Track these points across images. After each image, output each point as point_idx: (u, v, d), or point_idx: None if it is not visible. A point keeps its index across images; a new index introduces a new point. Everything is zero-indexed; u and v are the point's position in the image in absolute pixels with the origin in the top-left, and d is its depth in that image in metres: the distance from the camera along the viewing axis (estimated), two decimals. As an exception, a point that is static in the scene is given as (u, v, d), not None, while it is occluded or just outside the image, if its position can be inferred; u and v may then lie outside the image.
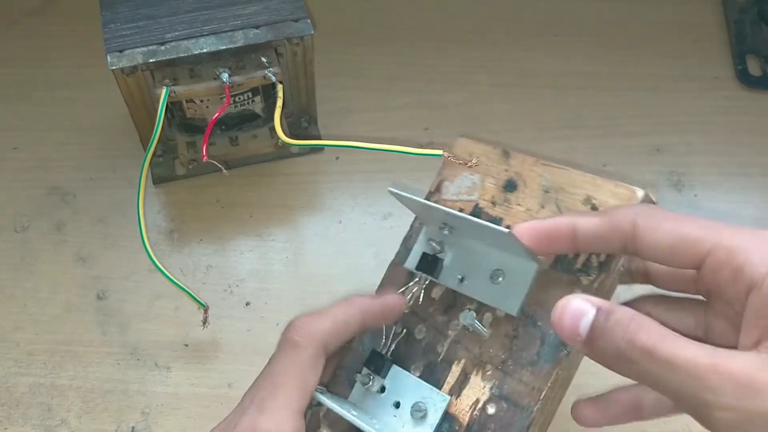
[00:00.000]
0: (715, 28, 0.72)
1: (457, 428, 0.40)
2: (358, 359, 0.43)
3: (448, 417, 0.40)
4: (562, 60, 0.70)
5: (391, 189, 0.41)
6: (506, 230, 0.37)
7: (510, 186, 0.44)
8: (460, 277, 0.42)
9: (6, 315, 0.56)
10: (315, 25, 0.55)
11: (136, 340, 0.55)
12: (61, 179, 0.62)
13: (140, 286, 0.57)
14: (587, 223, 0.37)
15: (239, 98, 0.55)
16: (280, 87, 0.54)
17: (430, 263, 0.43)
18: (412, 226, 0.46)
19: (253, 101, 0.56)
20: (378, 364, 0.42)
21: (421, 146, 0.64)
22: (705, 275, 0.34)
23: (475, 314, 0.41)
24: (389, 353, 0.42)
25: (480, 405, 0.40)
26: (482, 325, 0.41)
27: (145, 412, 0.52)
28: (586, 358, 0.36)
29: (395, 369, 0.42)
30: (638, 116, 0.66)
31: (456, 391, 0.41)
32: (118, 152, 0.64)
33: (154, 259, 0.50)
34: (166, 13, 0.55)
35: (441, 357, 0.42)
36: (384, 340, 0.43)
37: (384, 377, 0.42)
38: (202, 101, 0.55)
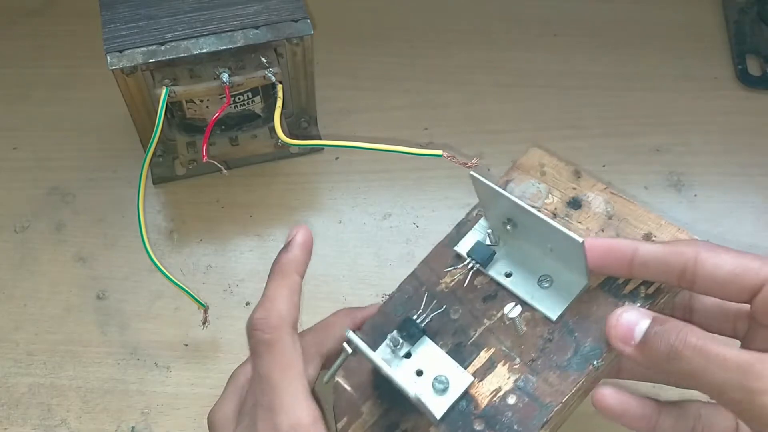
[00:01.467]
0: (715, 28, 0.72)
1: (473, 408, 0.41)
2: (390, 323, 0.44)
3: (467, 396, 0.41)
4: (562, 60, 0.70)
5: (472, 173, 0.42)
6: (579, 238, 0.39)
7: (575, 203, 0.46)
8: (507, 272, 0.44)
9: (6, 315, 0.56)
10: (315, 25, 0.55)
11: (136, 340, 0.55)
12: (61, 179, 0.62)
13: (140, 286, 0.57)
14: (649, 246, 0.39)
15: (239, 98, 0.55)
16: (280, 87, 0.54)
17: (482, 251, 0.44)
18: (468, 214, 0.47)
19: (253, 101, 0.56)
20: (410, 331, 0.43)
21: (421, 146, 0.64)
22: (760, 303, 0.36)
23: (520, 308, 0.42)
24: (423, 323, 0.43)
25: (501, 393, 0.41)
26: (521, 322, 0.42)
27: (145, 412, 0.52)
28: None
29: (424, 340, 0.43)
30: (638, 116, 0.66)
31: (480, 375, 0.42)
32: (118, 152, 0.64)
33: (154, 259, 0.50)
34: (166, 13, 0.55)
35: (472, 340, 0.43)
36: (420, 311, 0.44)
37: (413, 344, 0.43)
38: (202, 101, 0.55)
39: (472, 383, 0.41)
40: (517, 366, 0.41)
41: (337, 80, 0.68)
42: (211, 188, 0.62)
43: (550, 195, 0.46)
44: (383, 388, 0.43)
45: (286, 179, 0.63)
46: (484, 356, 0.42)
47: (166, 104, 0.52)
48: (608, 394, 0.42)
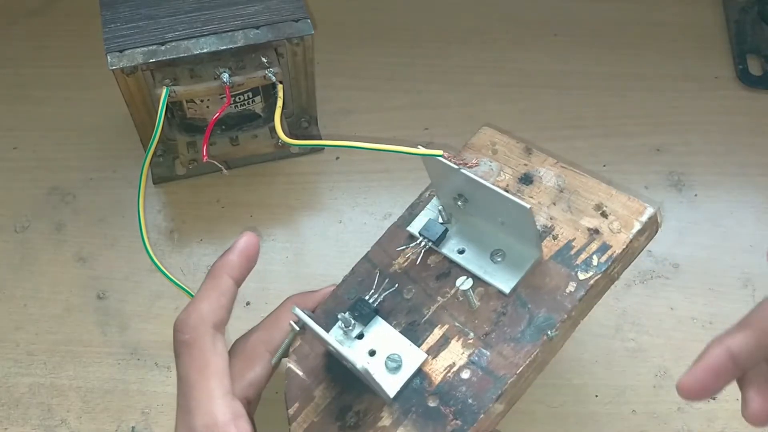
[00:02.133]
0: (715, 28, 0.72)
1: (427, 386, 0.40)
2: (341, 305, 0.44)
3: (420, 373, 0.41)
4: (562, 60, 0.70)
5: (420, 146, 0.43)
6: (526, 205, 0.39)
7: (526, 179, 0.46)
8: (460, 249, 0.44)
9: (6, 315, 0.56)
10: (315, 25, 0.55)
11: (136, 340, 0.55)
12: (61, 179, 0.62)
13: (140, 286, 0.57)
14: (740, 343, 0.36)
15: (239, 98, 0.55)
16: (280, 87, 0.54)
17: (434, 229, 0.44)
18: (421, 195, 0.47)
19: (253, 101, 0.56)
20: (362, 312, 0.43)
21: (421, 146, 0.64)
22: None
23: (471, 281, 0.42)
24: (375, 303, 0.43)
25: (455, 368, 0.41)
26: (473, 297, 0.42)
27: (145, 412, 0.52)
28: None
29: (377, 320, 0.43)
30: (638, 116, 0.66)
31: (434, 352, 0.42)
32: (118, 152, 0.64)
33: (154, 259, 0.50)
34: (166, 13, 0.55)
35: (425, 318, 0.43)
36: (372, 291, 0.44)
37: (365, 324, 0.43)
38: (202, 101, 0.55)
39: (426, 360, 0.41)
40: (471, 341, 0.41)
41: (337, 80, 0.68)
42: (211, 188, 0.62)
43: (501, 172, 0.46)
44: (336, 371, 0.43)
45: (287, 179, 0.63)
46: (437, 333, 0.42)
47: (167, 104, 0.52)
48: (690, 383, 0.38)
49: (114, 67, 0.52)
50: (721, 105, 0.67)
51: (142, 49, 0.53)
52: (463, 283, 0.41)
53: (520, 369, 0.39)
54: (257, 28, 0.54)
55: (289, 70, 0.58)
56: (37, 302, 0.57)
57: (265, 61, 0.54)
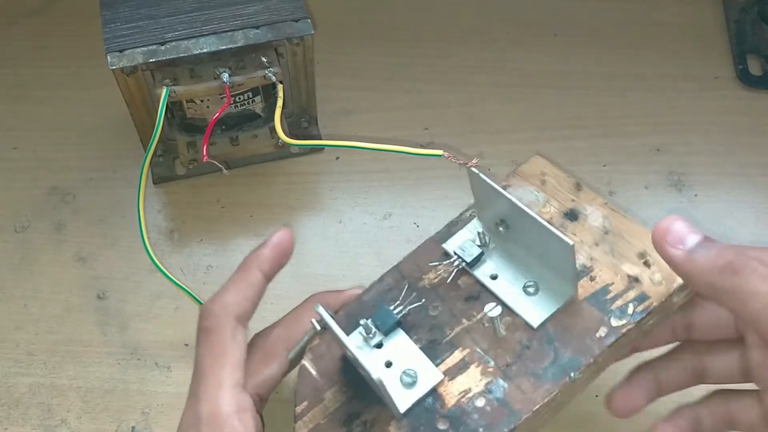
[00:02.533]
0: (715, 28, 0.72)
1: (439, 407, 0.39)
2: (365, 311, 0.43)
3: (435, 393, 0.40)
4: (562, 60, 0.70)
5: (472, 169, 0.42)
6: (570, 241, 0.38)
7: (572, 215, 0.45)
8: (493, 275, 0.43)
9: (6, 315, 0.56)
10: (315, 25, 0.55)
11: (136, 340, 0.55)
12: (61, 179, 0.62)
13: (140, 286, 0.57)
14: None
15: (239, 98, 0.55)
16: (280, 87, 0.54)
17: (470, 251, 0.43)
18: (462, 214, 0.46)
19: (253, 101, 0.56)
20: (385, 322, 0.42)
21: (421, 146, 0.64)
22: None
23: (500, 309, 0.40)
24: (399, 315, 0.42)
25: (471, 394, 0.40)
26: (500, 325, 0.41)
27: (145, 412, 0.52)
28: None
29: (398, 332, 0.42)
30: (638, 116, 0.66)
31: (451, 374, 0.41)
32: (118, 152, 0.64)
33: (154, 259, 0.50)
34: (166, 13, 0.55)
35: (447, 339, 0.42)
36: (398, 302, 0.43)
37: (386, 335, 0.42)
38: (202, 101, 0.55)
39: (442, 381, 0.40)
40: (491, 369, 0.40)
41: (337, 80, 0.68)
42: (211, 188, 0.62)
43: (547, 204, 0.45)
44: (350, 377, 0.42)
45: (287, 179, 0.63)
46: (458, 356, 0.41)
47: (167, 104, 0.52)
48: (620, 401, 0.43)
49: (114, 67, 0.52)
50: (721, 105, 0.67)
51: (142, 49, 0.53)
52: (492, 310, 0.40)
53: (537, 406, 0.39)
54: (257, 28, 0.54)
55: (289, 70, 0.58)
56: (37, 302, 0.57)
57: (265, 61, 0.54)
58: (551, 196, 0.46)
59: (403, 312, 0.42)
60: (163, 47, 0.53)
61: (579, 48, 0.71)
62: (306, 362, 0.43)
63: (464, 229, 0.45)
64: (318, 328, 0.41)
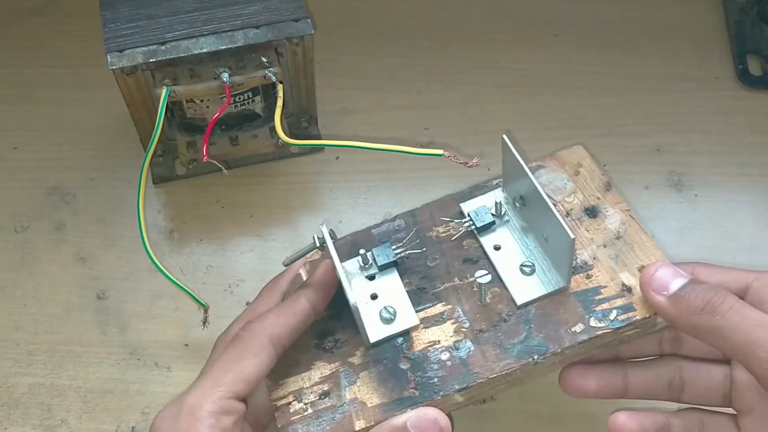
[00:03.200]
0: (715, 28, 0.72)
1: (406, 348, 0.42)
2: (369, 242, 0.46)
3: (407, 335, 0.43)
4: (562, 60, 0.70)
5: (505, 137, 0.43)
6: (571, 234, 0.39)
7: (592, 212, 0.46)
8: (497, 245, 0.45)
9: (6, 315, 0.56)
10: (315, 25, 0.55)
11: (136, 340, 0.55)
12: (61, 179, 0.62)
13: (140, 286, 0.57)
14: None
15: (239, 98, 0.55)
16: (280, 87, 0.54)
17: (483, 217, 0.45)
18: (488, 181, 0.48)
19: (253, 101, 0.56)
20: (383, 257, 0.44)
21: (421, 146, 0.64)
22: (750, 298, 0.39)
23: (491, 278, 0.42)
24: (398, 256, 0.45)
25: (438, 346, 0.42)
26: (487, 293, 0.43)
27: (145, 412, 0.52)
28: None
29: (393, 271, 0.44)
30: (638, 116, 0.66)
31: (427, 323, 0.43)
32: (118, 152, 0.64)
33: (154, 259, 0.50)
34: (166, 13, 0.55)
35: (435, 290, 0.44)
36: (401, 244, 0.45)
37: (380, 270, 0.44)
38: (202, 101, 0.55)
39: (416, 326, 0.43)
40: (464, 330, 0.42)
41: (337, 80, 0.68)
42: (211, 188, 0.62)
43: (573, 195, 0.46)
44: (336, 299, 0.44)
45: (287, 179, 0.63)
46: (439, 309, 0.43)
47: (167, 104, 0.52)
48: (622, 419, 0.43)
49: (114, 67, 0.52)
50: (721, 105, 0.67)
51: (142, 49, 0.53)
52: (482, 277, 0.42)
53: (494, 375, 0.41)
54: (257, 27, 0.54)
55: (289, 69, 0.58)
56: (37, 302, 0.57)
57: (265, 60, 0.54)
58: (579, 188, 0.47)
59: (402, 254, 0.45)
60: (163, 47, 0.53)
61: (579, 48, 0.71)
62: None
63: (485, 195, 0.47)
64: (317, 243, 0.43)
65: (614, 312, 0.42)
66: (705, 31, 0.72)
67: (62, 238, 0.60)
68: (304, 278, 0.44)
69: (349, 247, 0.45)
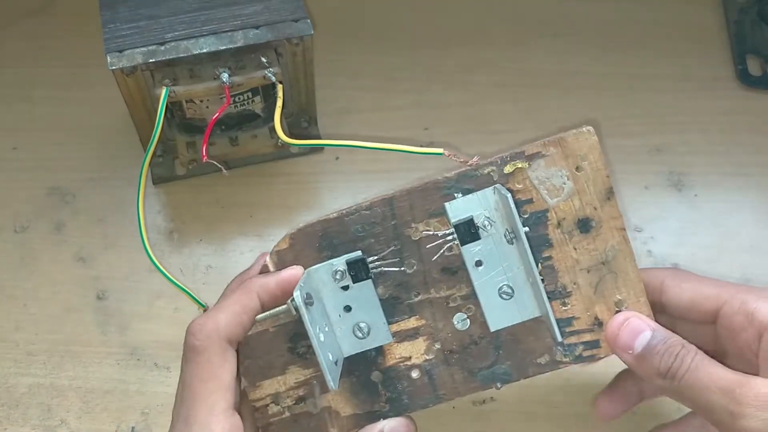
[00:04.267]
0: (715, 28, 0.72)
1: (378, 361, 0.43)
2: (345, 237, 0.43)
3: (379, 350, 0.43)
4: (562, 60, 0.70)
5: (501, 190, 0.41)
6: (540, 276, 0.41)
7: (584, 226, 0.42)
8: (478, 260, 0.42)
9: (6, 315, 0.56)
10: (315, 25, 0.55)
11: (136, 340, 0.55)
12: (61, 179, 0.62)
13: (140, 286, 0.57)
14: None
15: (239, 98, 0.55)
16: (280, 87, 0.54)
17: (469, 232, 0.42)
18: (479, 168, 0.43)
19: (253, 101, 0.56)
20: (359, 272, 0.43)
21: (421, 146, 0.63)
22: (721, 325, 0.40)
23: (466, 316, 0.43)
24: (375, 270, 0.43)
25: (409, 363, 0.43)
26: (463, 315, 0.43)
27: (145, 412, 0.52)
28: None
29: (368, 284, 0.43)
30: (638, 116, 0.66)
31: (400, 337, 0.43)
32: (118, 152, 0.64)
33: (154, 259, 0.50)
34: (165, 13, 0.55)
35: (409, 302, 0.43)
36: (378, 257, 0.43)
37: (354, 283, 0.43)
38: (202, 101, 0.55)
39: (390, 342, 0.43)
40: (435, 349, 0.43)
41: (337, 80, 0.68)
42: (211, 188, 0.62)
43: (569, 200, 0.42)
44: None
45: (287, 179, 0.63)
46: (412, 323, 0.43)
47: (166, 104, 0.52)
48: (606, 407, 0.46)
49: (114, 67, 0.52)
50: (721, 105, 0.67)
51: (142, 49, 0.53)
52: (460, 323, 0.43)
53: (458, 397, 0.43)
54: (257, 28, 0.54)
55: (288, 70, 0.58)
56: (37, 302, 0.57)
57: (264, 61, 0.54)
58: (578, 191, 0.42)
59: (379, 269, 0.43)
60: (162, 47, 0.53)
61: (579, 48, 0.71)
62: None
63: (474, 196, 0.42)
64: (294, 312, 0.40)
65: (580, 347, 0.42)
66: (705, 31, 0.72)
67: (62, 238, 0.60)
68: (271, 269, 0.43)
69: (318, 240, 0.43)
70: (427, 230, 0.43)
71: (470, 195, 0.42)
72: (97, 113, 0.66)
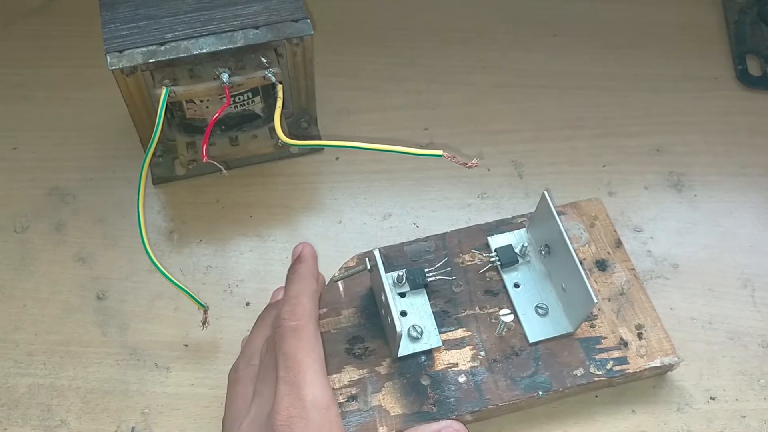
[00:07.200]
0: (715, 28, 0.72)
1: (428, 366, 0.47)
2: (401, 260, 0.52)
3: (429, 354, 0.48)
4: (562, 60, 0.70)
5: (546, 193, 0.48)
6: (596, 299, 0.45)
7: (602, 265, 0.52)
8: (516, 283, 0.51)
9: (6, 315, 0.56)
10: (315, 25, 0.55)
11: (136, 341, 0.55)
12: (61, 179, 0.62)
13: (140, 286, 0.57)
14: None
15: (239, 98, 0.55)
16: (280, 87, 0.54)
17: (509, 256, 0.51)
18: (514, 217, 0.54)
19: (252, 101, 0.56)
20: (416, 279, 0.49)
21: (421, 146, 0.64)
22: None
23: (512, 318, 0.48)
24: (429, 279, 0.50)
25: (456, 369, 0.47)
26: (504, 328, 0.48)
27: (144, 412, 0.52)
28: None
29: (422, 292, 0.50)
30: (638, 116, 0.66)
31: (448, 345, 0.48)
32: (118, 152, 0.64)
33: (154, 260, 0.50)
34: (166, 13, 0.55)
35: (457, 316, 0.50)
36: (433, 269, 0.51)
37: (412, 289, 0.50)
38: (201, 101, 0.55)
39: (439, 347, 0.48)
40: (480, 357, 0.48)
41: (337, 80, 0.68)
42: (211, 188, 0.62)
43: (588, 245, 0.53)
44: (369, 310, 0.49)
45: (286, 179, 0.63)
46: (460, 333, 0.49)
47: (166, 104, 0.52)
48: None
49: (113, 68, 0.52)
50: (721, 105, 0.67)
51: (142, 49, 0.53)
52: (506, 316, 0.48)
53: (503, 403, 0.46)
54: (257, 28, 0.54)
55: (288, 70, 0.58)
56: (36, 302, 0.57)
57: (264, 61, 0.54)
58: (593, 240, 0.53)
59: (434, 278, 0.50)
60: (162, 47, 0.53)
61: (579, 48, 0.71)
62: (339, 282, 0.51)
63: (512, 233, 0.53)
64: (369, 267, 0.47)
65: (611, 362, 0.48)
66: (704, 31, 0.72)
67: (62, 238, 0.60)
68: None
69: (382, 262, 0.48)
70: (472, 261, 0.52)
71: (507, 233, 0.53)
72: (97, 113, 0.66)
